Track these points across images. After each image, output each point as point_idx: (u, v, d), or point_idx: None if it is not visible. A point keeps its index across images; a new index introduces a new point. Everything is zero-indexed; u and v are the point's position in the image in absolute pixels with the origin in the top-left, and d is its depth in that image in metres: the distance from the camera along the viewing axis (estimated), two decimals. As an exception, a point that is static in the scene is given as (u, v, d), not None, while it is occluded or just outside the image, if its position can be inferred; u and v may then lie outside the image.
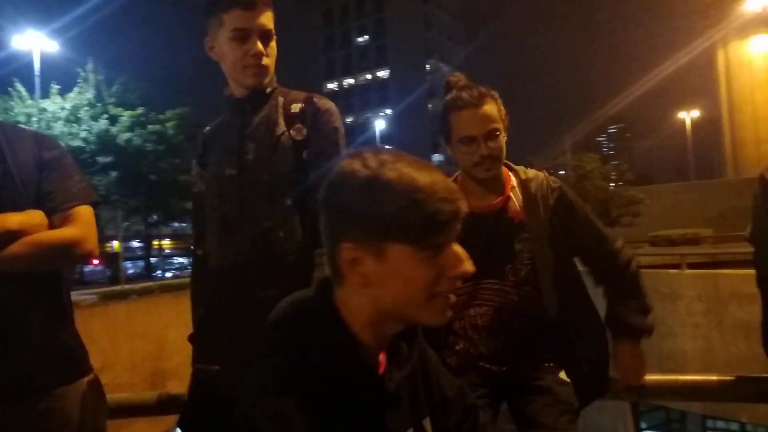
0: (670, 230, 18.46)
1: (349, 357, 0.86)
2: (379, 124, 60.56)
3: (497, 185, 1.77)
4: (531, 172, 1.82)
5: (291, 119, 1.63)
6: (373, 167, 0.84)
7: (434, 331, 1.51)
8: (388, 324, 0.90)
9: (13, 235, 1.33)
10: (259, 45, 1.60)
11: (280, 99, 1.68)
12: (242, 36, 1.59)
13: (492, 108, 1.70)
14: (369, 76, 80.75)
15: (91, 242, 1.43)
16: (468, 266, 0.89)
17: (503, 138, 1.71)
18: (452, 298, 0.89)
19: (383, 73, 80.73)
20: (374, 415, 0.88)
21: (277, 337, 0.90)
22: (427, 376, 1.03)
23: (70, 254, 1.41)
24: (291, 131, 1.61)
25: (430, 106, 73.99)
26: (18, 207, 1.37)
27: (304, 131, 1.60)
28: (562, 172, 25.09)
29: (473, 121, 1.68)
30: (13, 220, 1.34)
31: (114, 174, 20.43)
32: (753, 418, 9.70)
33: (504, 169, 1.79)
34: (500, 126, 1.70)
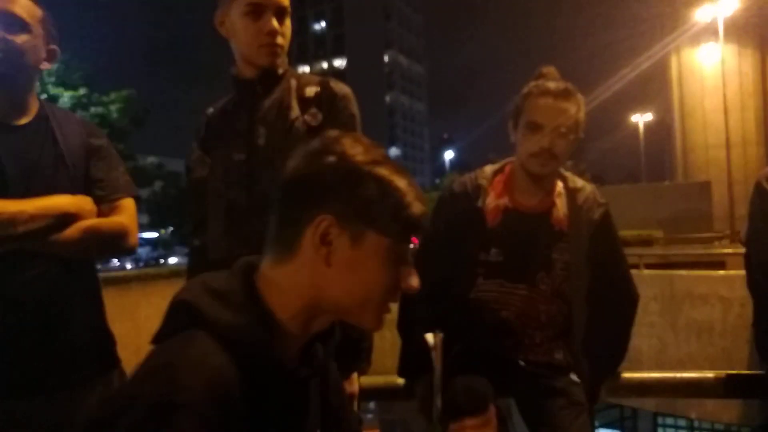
0: (625, 231, 18.91)
1: (262, 345, 0.76)
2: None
3: (546, 187, 1.72)
4: (580, 183, 1.78)
5: (305, 103, 1.55)
6: (368, 156, 0.81)
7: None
8: (320, 318, 0.84)
9: (69, 218, 1.30)
10: (275, 22, 1.51)
11: (293, 81, 1.59)
12: (257, 11, 1.49)
13: (572, 108, 1.64)
14: (325, 65, 79.79)
15: (135, 235, 1.44)
16: (416, 282, 0.86)
17: (571, 142, 1.65)
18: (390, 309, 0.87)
19: (340, 63, 79.86)
20: (282, 413, 0.80)
21: (179, 318, 0.78)
22: (326, 385, 0.96)
23: (118, 245, 1.40)
24: (306, 116, 1.53)
25: (387, 98, 73.88)
26: (70, 191, 1.35)
27: (320, 116, 1.53)
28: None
29: (547, 110, 1.62)
30: (69, 202, 1.31)
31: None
32: (701, 414, 10.03)
33: (556, 173, 1.74)
34: (573, 128, 1.65)
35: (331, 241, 0.79)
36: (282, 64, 1.59)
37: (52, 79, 19.69)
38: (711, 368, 1.97)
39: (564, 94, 1.63)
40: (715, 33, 23.42)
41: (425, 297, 1.58)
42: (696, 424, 12.17)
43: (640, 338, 9.52)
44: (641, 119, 42.21)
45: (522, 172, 1.71)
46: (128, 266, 28.07)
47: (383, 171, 0.81)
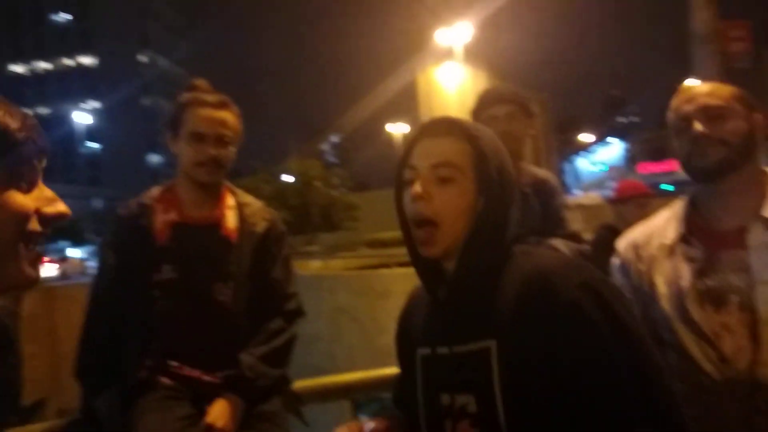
0: (383, 233, 20.34)
1: None
2: (84, 118, 54.17)
3: (215, 198, 1.76)
4: (249, 198, 1.85)
5: None
6: None
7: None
8: None
9: None
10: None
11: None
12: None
13: (231, 118, 1.72)
14: (71, 62, 71.49)
15: None
16: (61, 207, 0.79)
17: (233, 152, 1.73)
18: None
19: (89, 60, 72.09)
20: None
21: None
22: None
23: None
24: None
25: (146, 102, 68.90)
26: None
27: None
28: (286, 177, 25.74)
29: (209, 121, 1.68)
30: None
31: None
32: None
33: (225, 187, 1.80)
34: (234, 138, 1.72)
35: None
36: None
37: None
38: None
39: (223, 105, 1.72)
40: (454, 55, 26.58)
41: (98, 343, 1.68)
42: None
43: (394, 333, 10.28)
44: (395, 129, 45.94)
45: (188, 184, 1.73)
46: None
47: None
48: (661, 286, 1.39)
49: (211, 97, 1.70)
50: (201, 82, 1.77)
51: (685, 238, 1.38)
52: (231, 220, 1.75)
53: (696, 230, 1.39)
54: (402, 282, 11.02)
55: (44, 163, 0.79)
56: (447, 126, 1.07)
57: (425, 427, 1.06)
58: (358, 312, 10.92)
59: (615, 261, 1.56)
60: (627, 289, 1.46)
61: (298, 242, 19.83)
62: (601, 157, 64.39)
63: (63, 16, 72.00)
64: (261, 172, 22.62)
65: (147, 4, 72.05)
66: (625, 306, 0.95)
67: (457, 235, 1.02)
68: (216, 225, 1.73)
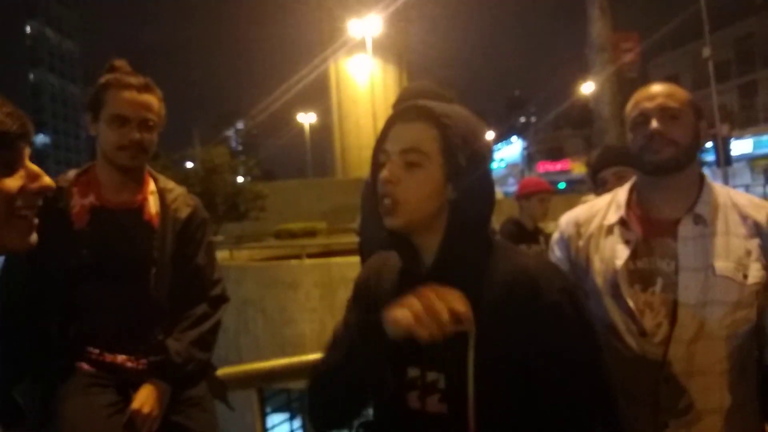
0: (291, 224, 20.14)
1: None
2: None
3: (137, 183, 1.73)
4: (171, 184, 1.83)
5: None
6: None
7: None
8: None
9: None
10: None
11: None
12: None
13: (154, 101, 1.69)
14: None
15: None
16: (46, 180, 0.91)
17: (156, 136, 1.70)
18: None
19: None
20: None
21: None
22: None
23: None
24: None
25: (31, 76, 63.74)
26: None
27: None
28: (189, 164, 24.84)
29: (133, 104, 1.64)
30: None
31: None
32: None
33: (146, 172, 1.77)
34: (158, 122, 1.69)
35: None
36: None
37: None
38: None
39: (146, 88, 1.68)
40: (365, 47, 26.72)
41: (12, 330, 1.62)
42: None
43: (303, 324, 10.27)
44: (306, 119, 45.52)
45: (109, 168, 1.69)
46: None
47: None
48: (597, 263, 1.52)
49: (134, 80, 1.66)
50: (121, 63, 1.71)
51: (623, 222, 1.51)
52: (153, 205, 1.72)
53: (634, 216, 1.52)
54: (312, 273, 11.01)
55: (27, 147, 0.90)
56: (419, 112, 1.09)
57: (386, 394, 1.08)
58: (264, 303, 10.78)
59: (555, 235, 1.69)
60: (564, 262, 1.60)
61: (201, 232, 19.12)
62: (501, 154, 67.20)
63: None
64: (161, 158, 21.64)
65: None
66: (589, 312, 1.08)
67: (424, 214, 1.07)
68: (137, 210, 1.70)
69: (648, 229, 1.48)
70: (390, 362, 1.06)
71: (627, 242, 1.48)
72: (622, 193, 1.58)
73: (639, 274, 1.45)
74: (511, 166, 63.79)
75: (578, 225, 1.61)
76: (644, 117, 1.47)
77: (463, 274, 1.05)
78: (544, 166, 55.09)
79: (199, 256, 1.78)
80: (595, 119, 8.59)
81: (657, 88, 1.50)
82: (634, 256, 1.47)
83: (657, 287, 1.43)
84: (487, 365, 0.99)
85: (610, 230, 1.53)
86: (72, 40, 76.39)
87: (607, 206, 1.59)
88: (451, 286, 1.01)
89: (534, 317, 1.00)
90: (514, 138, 69.71)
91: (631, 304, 1.43)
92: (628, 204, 1.55)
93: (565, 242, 1.63)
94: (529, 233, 3.67)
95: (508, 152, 67.99)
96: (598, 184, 2.49)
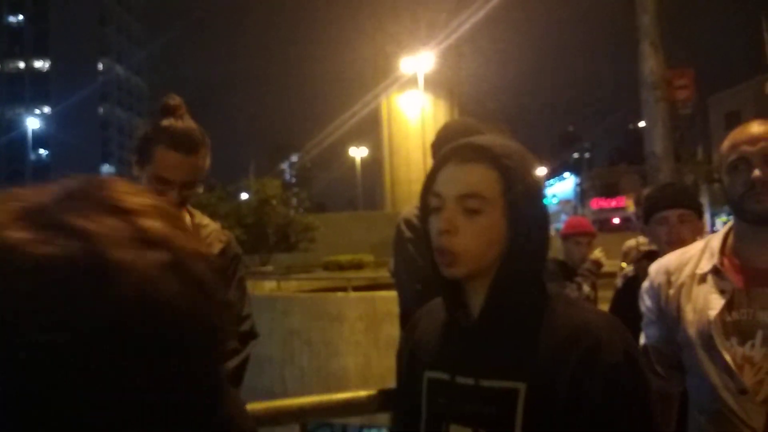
0: (340, 256, 20.28)
1: None
2: (32, 123, 52.69)
3: None
4: (206, 219, 1.88)
5: None
6: None
7: None
8: None
9: None
10: None
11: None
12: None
13: (201, 161, 1.69)
14: (22, 65, 69.34)
15: None
16: None
17: (199, 186, 1.74)
18: None
19: (42, 64, 69.92)
20: None
21: None
22: None
23: None
24: None
25: (101, 110, 67.07)
26: None
27: None
28: (245, 195, 25.46)
29: (178, 168, 1.64)
30: None
31: None
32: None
33: (184, 209, 1.79)
34: (202, 176, 1.72)
35: None
36: None
37: None
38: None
39: (193, 150, 1.66)
40: (415, 82, 27.14)
41: None
42: None
43: (347, 356, 10.22)
44: (358, 153, 46.23)
45: None
46: None
47: None
48: (689, 313, 1.43)
49: (183, 138, 1.64)
50: (176, 101, 1.70)
51: (717, 270, 1.42)
52: None
53: (730, 265, 1.43)
54: (357, 306, 11.00)
55: None
56: (477, 151, 1.01)
57: None
58: (311, 335, 10.81)
59: (645, 284, 1.60)
60: (654, 312, 1.53)
61: (252, 262, 19.53)
62: (553, 190, 66.09)
63: (18, 18, 69.99)
64: (217, 190, 22.26)
65: (105, 11, 70.65)
66: (648, 377, 1.00)
67: (486, 263, 1.00)
68: None
69: (747, 278, 1.39)
70: (429, 416, 1.02)
71: (722, 292, 1.38)
72: (715, 241, 1.49)
73: (736, 326, 1.35)
74: (563, 203, 62.68)
75: (669, 273, 1.52)
76: (745, 163, 1.37)
77: (514, 325, 0.99)
78: (598, 203, 53.87)
79: (230, 292, 1.76)
80: (647, 156, 8.35)
81: (757, 129, 1.39)
82: (729, 307, 1.36)
83: (757, 340, 1.32)
84: (536, 424, 0.94)
85: (703, 279, 1.43)
86: (140, 76, 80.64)
87: (700, 253, 1.49)
88: (499, 338, 0.97)
89: (592, 377, 0.92)
90: (566, 174, 68.61)
91: (727, 358, 1.33)
92: (722, 252, 1.45)
93: (656, 291, 1.54)
94: (573, 273, 3.56)
95: (561, 188, 66.92)
96: (655, 224, 2.32)
